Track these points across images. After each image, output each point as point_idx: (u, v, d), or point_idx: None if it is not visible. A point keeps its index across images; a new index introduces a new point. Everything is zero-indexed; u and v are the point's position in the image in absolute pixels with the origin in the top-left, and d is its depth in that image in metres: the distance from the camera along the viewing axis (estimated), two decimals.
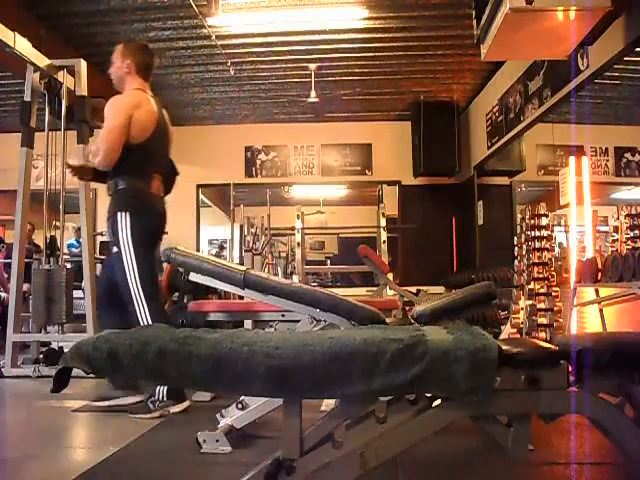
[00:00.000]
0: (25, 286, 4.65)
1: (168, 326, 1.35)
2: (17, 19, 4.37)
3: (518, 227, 4.13)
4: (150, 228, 3.00)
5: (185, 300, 6.47)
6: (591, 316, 3.81)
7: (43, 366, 4.09)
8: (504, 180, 7.34)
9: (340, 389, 1.09)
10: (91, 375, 1.12)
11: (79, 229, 6.87)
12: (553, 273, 3.91)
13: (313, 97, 6.35)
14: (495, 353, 1.07)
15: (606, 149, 7.56)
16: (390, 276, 6.22)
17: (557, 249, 4.14)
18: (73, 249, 7.45)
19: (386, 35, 5.53)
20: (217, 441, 2.16)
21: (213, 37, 5.35)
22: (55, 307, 4.14)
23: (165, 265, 6.83)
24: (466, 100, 7.40)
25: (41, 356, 4.25)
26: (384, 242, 6.91)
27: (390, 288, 5.97)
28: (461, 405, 1.10)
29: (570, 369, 1.12)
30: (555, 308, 3.83)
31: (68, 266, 4.40)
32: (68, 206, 4.53)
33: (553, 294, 3.87)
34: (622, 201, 6.61)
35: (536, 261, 3.89)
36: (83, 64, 4.47)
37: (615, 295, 3.35)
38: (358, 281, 9.08)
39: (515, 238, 4.15)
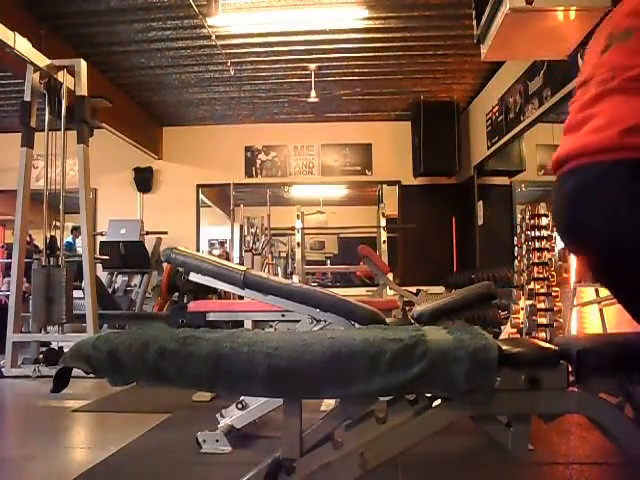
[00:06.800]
0: (25, 286, 4.65)
1: (168, 326, 1.35)
2: (17, 19, 4.37)
3: (518, 227, 4.13)
4: None
5: (185, 300, 6.48)
6: (591, 316, 3.81)
7: (43, 366, 4.09)
8: (504, 180, 7.33)
9: (340, 389, 1.09)
10: (91, 375, 1.12)
11: (75, 229, 6.87)
12: (553, 273, 3.91)
13: (313, 97, 6.35)
14: (495, 353, 1.07)
15: None
16: (390, 276, 6.22)
17: (557, 249, 4.13)
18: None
19: (386, 35, 5.53)
20: (217, 441, 2.16)
21: (213, 37, 5.36)
22: (55, 307, 4.14)
23: (165, 265, 6.84)
24: (466, 100, 7.40)
25: (41, 356, 4.26)
26: (384, 242, 6.91)
27: (390, 288, 5.97)
28: (461, 405, 1.10)
29: (570, 369, 1.11)
30: (555, 308, 3.83)
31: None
32: (68, 206, 4.53)
33: (553, 294, 3.86)
34: None
35: (536, 261, 3.89)
36: (83, 64, 4.48)
37: None
38: (365, 280, 9.05)
39: (515, 238, 4.14)
